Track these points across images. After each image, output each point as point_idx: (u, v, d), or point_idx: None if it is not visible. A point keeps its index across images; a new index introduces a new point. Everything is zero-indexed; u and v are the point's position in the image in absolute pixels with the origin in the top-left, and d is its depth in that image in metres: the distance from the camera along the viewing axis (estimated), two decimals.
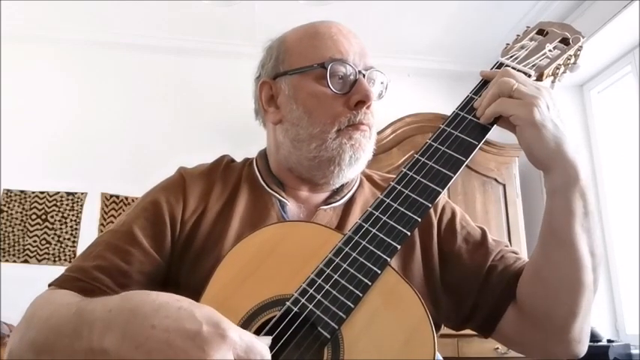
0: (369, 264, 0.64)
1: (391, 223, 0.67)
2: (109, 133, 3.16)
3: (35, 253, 3.00)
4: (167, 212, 0.82)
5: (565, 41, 0.81)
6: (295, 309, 0.63)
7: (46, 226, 3.05)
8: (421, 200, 0.68)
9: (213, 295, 0.68)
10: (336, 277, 0.64)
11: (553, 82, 0.82)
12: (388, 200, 0.69)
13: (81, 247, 3.00)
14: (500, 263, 0.84)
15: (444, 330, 0.87)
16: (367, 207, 0.70)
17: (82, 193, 3.11)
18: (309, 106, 0.85)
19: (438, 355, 0.61)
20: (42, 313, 0.66)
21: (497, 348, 2.59)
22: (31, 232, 3.03)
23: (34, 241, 3.02)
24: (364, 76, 0.85)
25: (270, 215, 0.85)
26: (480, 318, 0.83)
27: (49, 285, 0.77)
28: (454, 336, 2.50)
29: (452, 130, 0.73)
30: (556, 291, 0.74)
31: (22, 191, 3.08)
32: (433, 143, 0.72)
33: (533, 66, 0.78)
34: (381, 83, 0.90)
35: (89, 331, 0.58)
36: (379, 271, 0.63)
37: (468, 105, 0.75)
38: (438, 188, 0.68)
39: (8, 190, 3.07)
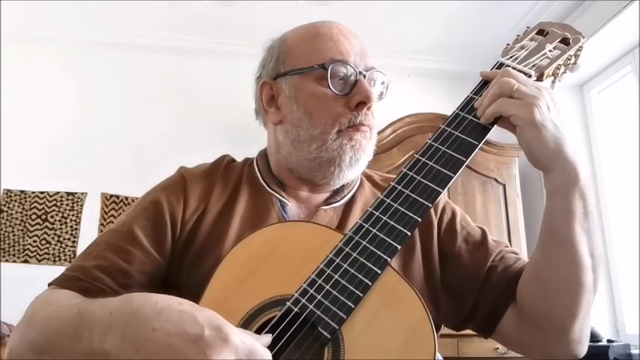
0: (369, 264, 0.64)
1: (391, 223, 0.67)
2: (109, 133, 3.16)
3: (35, 253, 3.00)
4: (168, 212, 0.82)
5: (565, 41, 0.81)
6: (296, 309, 0.63)
7: (46, 226, 3.05)
8: (421, 200, 0.68)
9: (214, 295, 0.68)
10: (336, 277, 0.64)
11: (553, 82, 0.82)
12: (388, 200, 0.69)
13: (81, 247, 3.00)
14: (501, 264, 0.84)
15: (444, 330, 0.87)
16: (367, 207, 0.70)
17: (82, 193, 3.11)
18: (309, 106, 0.85)
19: (438, 355, 0.61)
20: (42, 314, 0.66)
21: (497, 348, 2.59)
22: (31, 232, 3.03)
23: (34, 241, 3.02)
24: (365, 76, 0.85)
25: (270, 215, 0.85)
26: (480, 318, 0.83)
27: (50, 284, 0.77)
28: (454, 336, 2.50)
29: (452, 131, 0.73)
30: (556, 291, 0.74)
31: (22, 191, 3.08)
32: (433, 143, 0.72)
33: (533, 66, 0.78)
34: (382, 84, 0.90)
35: (90, 333, 0.58)
36: (379, 272, 0.63)
37: (468, 105, 0.75)
38: (438, 188, 0.68)
39: (8, 190, 3.07)
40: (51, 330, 0.63)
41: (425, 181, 0.69)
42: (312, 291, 0.64)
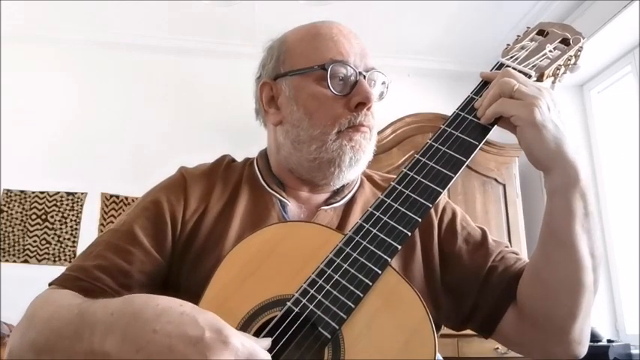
0: (369, 264, 0.64)
1: (392, 223, 0.67)
2: (109, 133, 3.16)
3: (35, 253, 3.00)
4: (168, 212, 0.82)
5: (565, 42, 0.81)
6: (296, 309, 0.63)
7: (46, 226, 3.05)
8: (422, 200, 0.68)
9: (214, 295, 0.68)
10: (336, 277, 0.64)
11: (553, 82, 0.82)
12: (389, 200, 0.69)
13: (81, 247, 3.00)
14: (501, 264, 0.84)
15: (444, 330, 0.87)
16: (368, 207, 0.70)
17: (82, 193, 3.11)
18: (309, 107, 0.85)
19: (438, 356, 0.61)
20: (43, 314, 0.66)
21: (497, 348, 2.59)
22: (31, 232, 3.03)
23: (34, 241, 3.02)
24: (365, 77, 0.85)
25: (270, 215, 0.85)
26: (480, 318, 0.83)
27: (50, 284, 0.77)
28: (454, 336, 2.50)
29: (452, 131, 0.73)
30: (556, 292, 0.74)
31: (22, 191, 3.08)
32: (434, 144, 0.72)
33: (533, 66, 0.78)
34: (383, 84, 0.90)
35: (90, 334, 0.58)
36: (380, 272, 0.63)
37: (468, 105, 0.75)
38: (438, 189, 0.68)
39: (8, 190, 3.07)
40: (51, 330, 0.63)
41: (425, 182, 0.69)
42: (312, 291, 0.64)
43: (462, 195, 2.94)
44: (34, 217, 3.05)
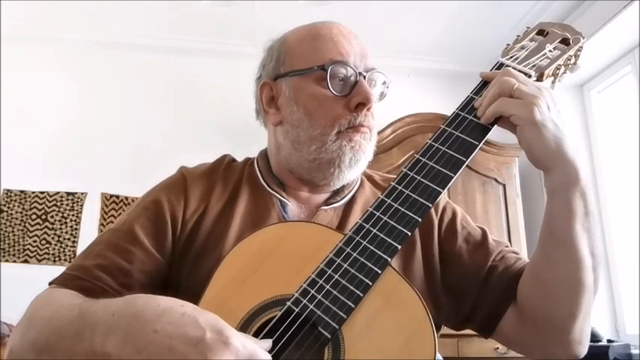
0: (369, 264, 0.64)
1: (392, 223, 0.67)
2: (109, 133, 3.16)
3: (35, 253, 3.00)
4: (168, 211, 0.82)
5: (565, 42, 0.81)
6: (296, 309, 0.63)
7: (46, 226, 3.05)
8: (422, 200, 0.68)
9: (214, 295, 0.68)
10: (336, 277, 0.64)
11: (553, 82, 0.82)
12: (389, 200, 0.69)
13: (81, 247, 3.00)
14: (501, 264, 0.84)
15: (444, 330, 0.87)
16: (368, 207, 0.70)
17: (82, 193, 3.11)
18: (309, 108, 0.85)
19: (438, 355, 0.61)
20: (43, 314, 0.66)
21: (497, 348, 2.59)
22: (31, 232, 3.03)
23: (34, 241, 3.02)
24: (365, 77, 0.85)
25: (270, 215, 0.85)
26: (480, 318, 0.83)
27: (50, 283, 0.77)
28: (454, 336, 2.50)
29: (452, 131, 0.73)
30: (556, 292, 0.74)
31: (22, 191, 3.08)
32: (434, 143, 0.72)
33: (533, 66, 0.78)
34: (383, 84, 0.90)
35: (91, 334, 0.58)
36: (380, 271, 0.63)
37: (468, 105, 0.75)
38: (438, 188, 0.68)
39: (8, 190, 3.07)
40: (52, 330, 0.63)
41: (425, 181, 0.69)
42: (312, 291, 0.64)
43: (462, 195, 2.94)
44: (34, 217, 3.05)
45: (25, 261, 2.98)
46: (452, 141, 0.72)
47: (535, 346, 0.80)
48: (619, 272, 2.87)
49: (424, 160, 0.71)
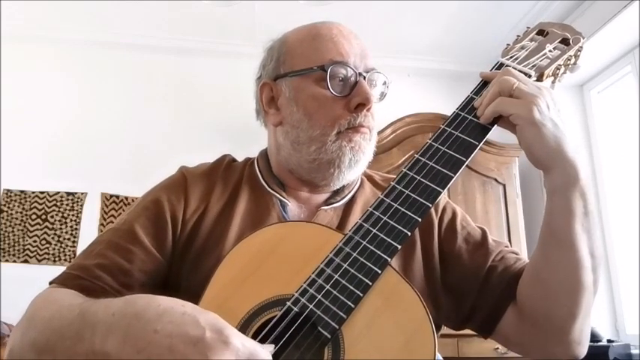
0: (369, 264, 0.64)
1: (391, 223, 0.67)
2: (109, 133, 3.16)
3: (35, 253, 3.00)
4: (168, 211, 0.83)
5: (565, 42, 0.81)
6: (296, 309, 0.63)
7: (46, 226, 3.05)
8: (421, 200, 0.68)
9: (214, 295, 0.68)
10: (336, 277, 0.64)
11: (553, 82, 0.82)
12: (389, 200, 0.69)
13: (81, 247, 2.99)
14: (501, 264, 0.84)
15: (444, 330, 0.87)
16: (368, 207, 0.70)
17: (82, 193, 3.11)
18: (309, 108, 0.85)
19: (438, 355, 0.61)
20: (44, 313, 0.66)
21: (497, 348, 2.59)
22: (31, 232, 3.03)
23: (34, 241, 3.02)
24: (365, 78, 0.85)
25: (271, 215, 0.85)
26: (480, 318, 0.83)
27: (50, 283, 0.77)
28: (454, 336, 2.50)
29: (452, 131, 0.73)
30: (555, 292, 0.74)
31: (22, 191, 3.08)
32: (434, 143, 0.72)
33: (533, 66, 0.78)
34: (383, 84, 0.90)
35: (91, 334, 0.58)
36: (380, 271, 0.63)
37: (468, 105, 0.75)
38: (438, 188, 0.68)
39: (8, 190, 3.07)
40: (52, 330, 0.63)
41: (425, 181, 0.69)
42: (312, 291, 0.64)
43: (462, 195, 2.94)
44: (34, 217, 3.05)
45: (25, 261, 2.98)
46: (452, 141, 0.72)
47: (535, 346, 0.80)
48: (619, 272, 2.87)
49: (424, 160, 0.71)
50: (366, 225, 0.68)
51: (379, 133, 2.77)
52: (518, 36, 0.85)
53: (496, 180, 3.03)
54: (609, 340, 2.55)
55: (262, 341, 0.61)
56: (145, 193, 0.88)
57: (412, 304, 0.62)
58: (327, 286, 0.64)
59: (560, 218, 0.72)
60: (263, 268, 0.68)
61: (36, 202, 3.07)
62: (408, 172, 0.71)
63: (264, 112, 0.92)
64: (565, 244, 0.72)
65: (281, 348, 0.61)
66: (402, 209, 0.68)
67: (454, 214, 0.91)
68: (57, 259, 3.00)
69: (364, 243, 0.66)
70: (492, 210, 2.98)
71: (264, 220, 0.84)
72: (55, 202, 3.08)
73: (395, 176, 0.72)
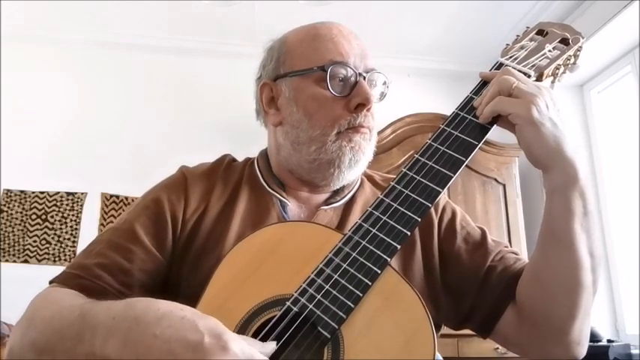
0: (369, 264, 0.64)
1: (391, 223, 0.67)
2: (109, 133, 3.16)
3: (35, 253, 3.00)
4: (168, 211, 0.83)
5: (565, 41, 0.81)
6: (295, 309, 0.63)
7: (46, 226, 3.05)
8: (421, 200, 0.68)
9: (214, 294, 0.68)
10: (336, 277, 0.64)
11: (553, 82, 0.82)
12: (388, 200, 0.69)
13: (81, 247, 2.97)
14: (500, 264, 0.84)
15: (444, 330, 0.87)
16: (367, 207, 0.70)
17: (82, 193, 3.11)
18: (309, 108, 0.85)
19: (438, 355, 0.61)
20: (44, 314, 0.66)
21: (497, 348, 2.59)
22: (31, 232, 3.03)
23: (34, 241, 3.02)
24: (364, 78, 0.85)
25: (270, 215, 0.85)
26: (479, 318, 0.83)
27: (50, 282, 0.77)
28: (454, 336, 2.50)
29: (452, 130, 0.73)
30: (555, 292, 0.74)
31: (22, 191, 3.08)
32: (433, 143, 0.72)
33: (532, 66, 0.78)
34: (383, 84, 0.90)
35: (91, 336, 0.58)
36: (379, 271, 0.63)
37: (467, 105, 0.75)
38: (437, 188, 0.68)
39: (8, 190, 3.07)
40: (53, 331, 0.63)
41: (424, 181, 0.69)
42: (311, 290, 0.64)
43: (462, 195, 2.94)
44: (34, 217, 3.05)
45: (25, 261, 2.98)
46: (451, 141, 0.72)
47: (534, 346, 0.80)
48: (619, 272, 2.87)
49: (423, 159, 0.71)
50: (365, 225, 0.68)
51: (379, 133, 2.77)
52: (518, 36, 0.85)
53: (496, 180, 3.03)
54: (609, 340, 2.55)
55: (262, 341, 0.61)
56: (145, 192, 0.88)
57: (412, 304, 0.62)
58: (327, 286, 0.64)
59: (559, 218, 0.72)
60: (263, 268, 0.68)
61: (36, 202, 3.07)
62: (407, 171, 0.71)
63: (264, 113, 0.92)
64: (564, 243, 0.72)
65: (281, 348, 0.61)
66: (402, 209, 0.68)
67: (454, 214, 0.91)
68: (57, 259, 3.00)
69: (364, 243, 0.66)
70: (492, 210, 2.98)
71: (264, 220, 0.84)
72: (55, 202, 3.08)
73: (395, 176, 0.72)
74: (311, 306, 0.63)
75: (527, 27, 0.85)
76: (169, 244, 0.81)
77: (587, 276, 0.73)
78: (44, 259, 3.00)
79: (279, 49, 0.91)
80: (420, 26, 3.17)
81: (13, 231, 3.02)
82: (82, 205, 3.10)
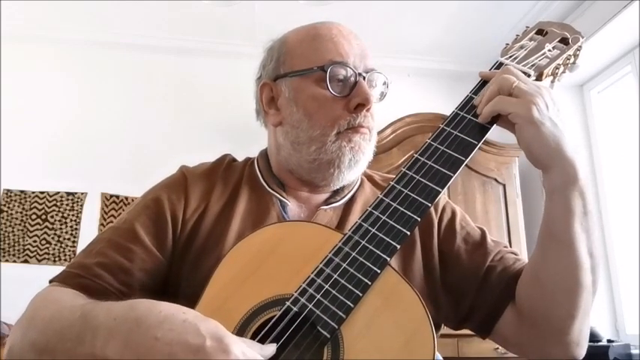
0: (368, 264, 0.64)
1: (391, 222, 0.67)
2: (109, 133, 3.16)
3: (35, 253, 3.00)
4: (169, 210, 0.83)
5: (564, 41, 0.81)
6: (295, 308, 0.63)
7: (46, 226, 3.05)
8: (421, 200, 0.68)
9: (214, 294, 0.68)
10: (335, 276, 0.64)
11: (552, 81, 0.82)
12: (388, 200, 0.69)
13: (81, 247, 2.97)
14: (500, 264, 0.84)
15: (444, 330, 0.87)
16: (367, 207, 0.70)
17: (82, 193, 3.11)
18: (309, 108, 0.85)
19: (438, 355, 0.61)
20: (44, 313, 0.66)
21: (497, 348, 2.59)
22: (31, 232, 3.03)
23: (34, 241, 3.02)
24: (364, 78, 0.85)
25: (270, 215, 0.85)
26: (478, 318, 0.83)
27: (51, 281, 0.77)
28: (454, 336, 2.50)
29: (451, 130, 0.73)
30: (554, 292, 0.74)
31: (22, 191, 3.08)
32: (433, 143, 0.72)
33: (532, 66, 0.78)
34: (383, 84, 0.90)
35: (92, 337, 0.58)
36: (379, 271, 0.63)
37: (467, 105, 0.75)
38: (437, 188, 0.68)
39: (8, 190, 3.07)
40: (53, 331, 0.63)
41: (424, 181, 0.69)
42: (311, 290, 0.64)
43: (462, 195, 2.94)
44: (34, 217, 3.05)
45: (25, 261, 2.98)
46: (451, 140, 0.72)
47: (533, 346, 0.80)
48: (619, 272, 2.87)
49: (423, 159, 0.71)
50: (365, 225, 0.68)
51: (379, 133, 2.77)
52: (518, 35, 0.85)
53: (496, 180, 3.03)
54: (609, 340, 2.55)
55: (261, 341, 0.61)
56: (146, 192, 0.88)
57: (412, 304, 0.62)
58: (327, 286, 0.64)
59: (559, 217, 0.72)
60: (263, 268, 0.68)
61: (36, 202, 3.07)
62: (407, 171, 0.71)
63: (264, 113, 0.92)
64: (564, 243, 0.72)
65: (280, 347, 0.61)
66: (402, 209, 0.68)
67: (454, 214, 0.91)
68: (57, 259, 3.00)
69: (363, 242, 0.66)
70: (492, 210, 2.98)
71: (264, 219, 0.84)
72: (55, 202, 3.08)
73: (395, 176, 0.72)
74: (311, 306, 0.63)
75: (527, 27, 0.85)
76: (169, 243, 0.81)
77: (587, 276, 0.73)
78: (44, 259, 3.00)
79: (279, 49, 0.91)
80: (420, 26, 3.17)
81: (13, 231, 3.02)
82: (82, 205, 3.10)
